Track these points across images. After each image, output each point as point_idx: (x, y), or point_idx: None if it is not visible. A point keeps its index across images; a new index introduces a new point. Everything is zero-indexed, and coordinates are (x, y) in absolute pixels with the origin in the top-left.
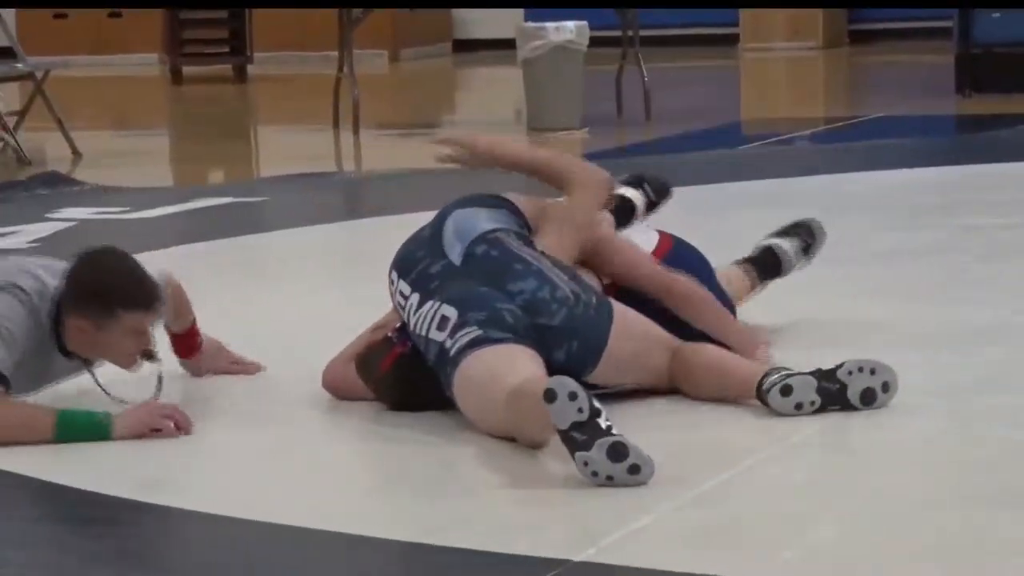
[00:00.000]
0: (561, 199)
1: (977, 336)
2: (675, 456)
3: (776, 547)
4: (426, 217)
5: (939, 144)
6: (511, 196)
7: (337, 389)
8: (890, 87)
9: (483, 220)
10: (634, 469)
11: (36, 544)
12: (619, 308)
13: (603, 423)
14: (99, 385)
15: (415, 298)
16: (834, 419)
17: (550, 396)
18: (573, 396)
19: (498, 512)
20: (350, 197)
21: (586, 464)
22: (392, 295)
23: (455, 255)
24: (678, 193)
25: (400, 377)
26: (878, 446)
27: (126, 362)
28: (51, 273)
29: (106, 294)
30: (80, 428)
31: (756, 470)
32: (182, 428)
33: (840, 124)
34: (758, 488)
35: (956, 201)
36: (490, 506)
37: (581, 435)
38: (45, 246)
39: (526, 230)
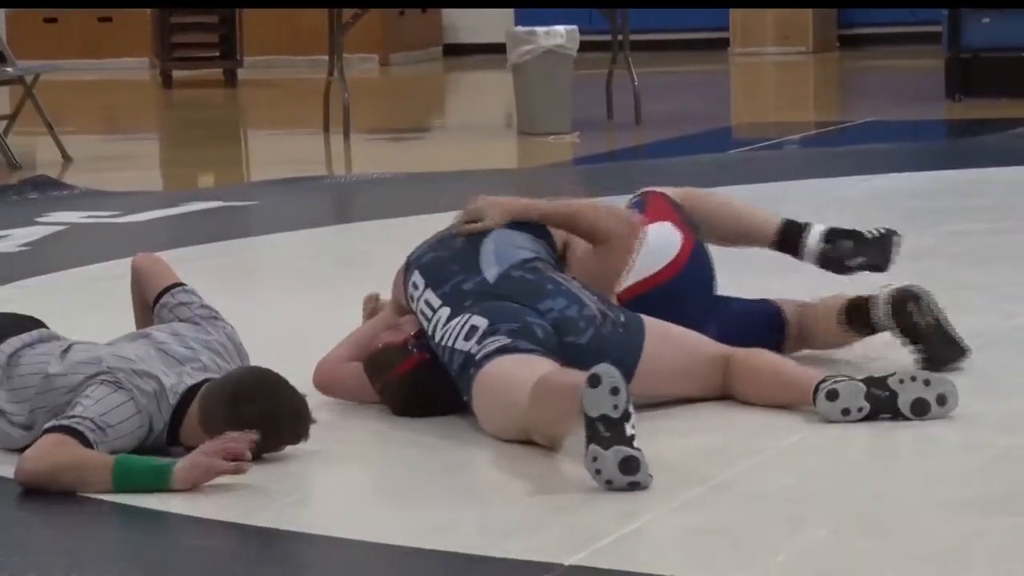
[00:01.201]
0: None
1: (967, 341)
2: (669, 459)
3: (770, 551)
4: (418, 221)
5: (929, 148)
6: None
7: (327, 387)
8: (880, 91)
9: (524, 249)
10: (634, 486)
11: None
12: (654, 323)
13: (629, 429)
14: None
15: (444, 312)
16: (829, 425)
17: (594, 380)
18: (615, 391)
19: (490, 515)
20: (340, 201)
21: (595, 459)
22: (411, 298)
23: (491, 274)
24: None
25: (417, 384)
26: (871, 451)
27: None
28: (171, 364)
29: (276, 432)
30: (139, 476)
31: (750, 474)
32: (240, 461)
33: (830, 128)
34: (752, 492)
35: (945, 206)
36: (482, 509)
37: (605, 430)
38: (36, 250)
39: (561, 262)
